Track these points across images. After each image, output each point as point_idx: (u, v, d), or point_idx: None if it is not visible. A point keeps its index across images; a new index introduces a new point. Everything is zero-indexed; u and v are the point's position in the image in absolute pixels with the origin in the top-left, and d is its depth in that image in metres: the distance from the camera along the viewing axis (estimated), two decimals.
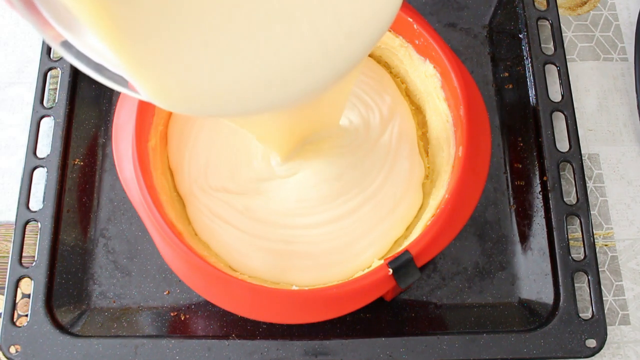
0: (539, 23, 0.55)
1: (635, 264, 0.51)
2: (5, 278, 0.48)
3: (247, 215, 0.47)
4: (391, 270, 0.40)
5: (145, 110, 0.46)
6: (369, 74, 0.53)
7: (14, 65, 0.59)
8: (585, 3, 0.61)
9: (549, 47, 0.56)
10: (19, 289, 0.48)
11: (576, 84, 0.57)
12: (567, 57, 0.55)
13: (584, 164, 0.52)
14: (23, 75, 0.58)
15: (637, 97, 0.55)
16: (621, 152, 0.55)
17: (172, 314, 0.49)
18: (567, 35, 0.59)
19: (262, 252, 0.46)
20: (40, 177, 0.52)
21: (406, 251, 0.41)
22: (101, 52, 0.27)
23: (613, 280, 0.51)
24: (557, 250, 0.48)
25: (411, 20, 0.47)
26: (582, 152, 0.52)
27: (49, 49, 0.55)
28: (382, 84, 0.52)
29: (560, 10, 0.58)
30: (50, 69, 0.55)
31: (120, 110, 0.48)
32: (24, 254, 0.49)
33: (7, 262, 0.48)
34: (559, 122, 0.53)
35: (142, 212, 0.44)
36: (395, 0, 0.30)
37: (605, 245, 0.52)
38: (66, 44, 0.27)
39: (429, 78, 0.49)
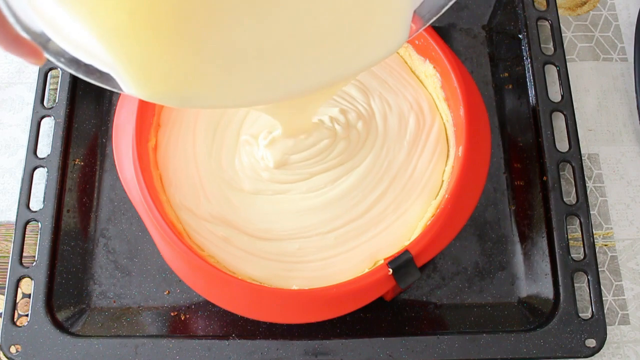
0: (538, 23, 0.55)
1: (634, 264, 0.51)
2: (6, 278, 0.48)
3: (231, 244, 0.45)
4: (391, 270, 0.40)
5: (145, 110, 0.46)
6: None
7: (14, 65, 0.59)
8: (585, 3, 0.61)
9: (548, 48, 0.56)
10: (19, 289, 0.48)
11: (576, 84, 0.57)
12: (566, 57, 0.55)
13: (583, 164, 0.52)
14: (23, 75, 0.58)
15: (637, 97, 0.55)
16: (621, 152, 0.55)
17: (172, 314, 0.49)
18: (567, 35, 0.59)
19: (258, 270, 0.44)
20: (41, 177, 0.52)
21: (406, 251, 0.41)
22: (83, 44, 0.27)
23: (613, 280, 0.51)
24: (557, 250, 0.48)
25: None
26: (582, 152, 0.52)
27: None
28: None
29: (560, 11, 0.58)
30: (50, 69, 0.55)
31: (120, 110, 0.48)
32: (24, 254, 0.49)
33: (8, 262, 0.48)
34: (559, 122, 0.53)
35: (142, 212, 0.44)
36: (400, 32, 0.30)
37: (605, 245, 0.52)
38: (56, 52, 0.27)
39: (429, 78, 0.49)
